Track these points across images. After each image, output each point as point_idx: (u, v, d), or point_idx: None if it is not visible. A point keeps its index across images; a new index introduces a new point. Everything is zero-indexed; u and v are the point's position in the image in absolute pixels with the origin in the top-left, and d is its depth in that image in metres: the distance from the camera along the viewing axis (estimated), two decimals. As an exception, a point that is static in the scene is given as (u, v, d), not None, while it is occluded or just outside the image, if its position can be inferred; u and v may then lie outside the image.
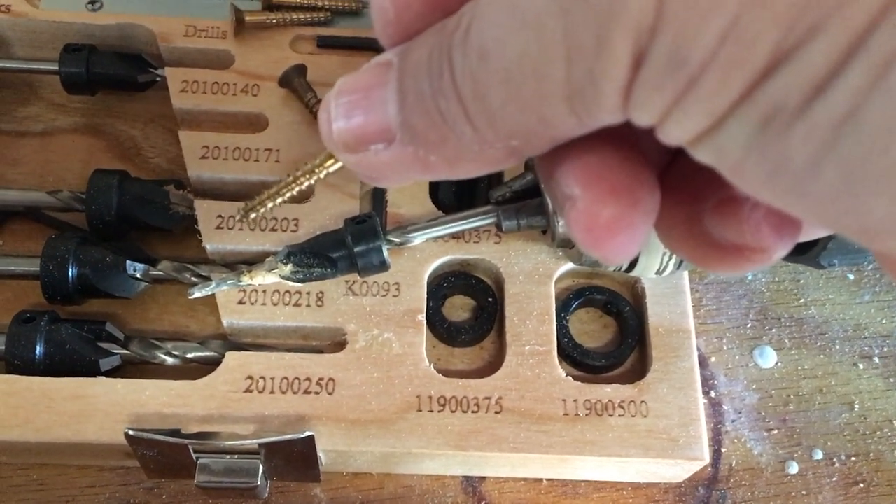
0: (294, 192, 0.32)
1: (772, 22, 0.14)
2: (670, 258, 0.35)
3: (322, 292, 0.38)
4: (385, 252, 0.34)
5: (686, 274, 0.39)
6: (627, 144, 0.19)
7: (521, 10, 0.16)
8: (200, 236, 0.38)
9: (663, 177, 0.21)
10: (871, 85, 0.13)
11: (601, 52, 0.15)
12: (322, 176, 0.28)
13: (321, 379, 0.36)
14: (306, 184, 0.30)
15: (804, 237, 0.20)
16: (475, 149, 0.19)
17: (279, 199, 0.33)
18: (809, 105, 0.14)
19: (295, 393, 0.35)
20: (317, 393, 0.35)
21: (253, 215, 0.34)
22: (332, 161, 0.27)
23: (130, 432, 0.33)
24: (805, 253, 0.36)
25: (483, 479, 0.39)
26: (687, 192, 0.21)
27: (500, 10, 0.17)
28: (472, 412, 0.36)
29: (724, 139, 0.15)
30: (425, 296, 0.38)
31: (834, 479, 0.40)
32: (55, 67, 0.43)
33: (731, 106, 0.15)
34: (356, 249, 0.34)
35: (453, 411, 0.35)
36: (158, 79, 0.44)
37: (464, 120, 0.18)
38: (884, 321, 0.44)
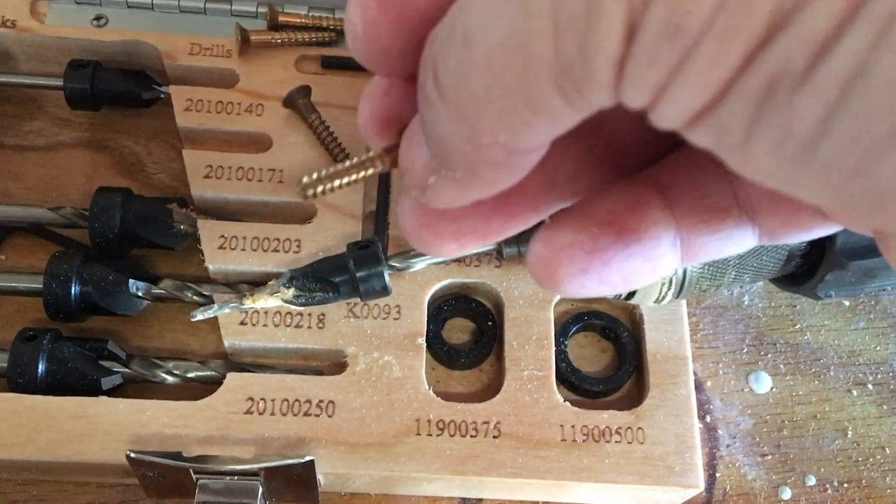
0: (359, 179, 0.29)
1: None
2: (669, 288, 0.35)
3: (323, 314, 0.38)
4: (387, 277, 0.34)
5: (684, 301, 0.39)
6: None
7: None
8: (203, 255, 0.38)
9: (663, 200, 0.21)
10: (876, 41, 0.13)
11: (592, 22, 0.14)
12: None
13: (321, 401, 0.36)
14: (372, 171, 0.27)
15: (809, 235, 0.20)
16: (467, 150, 0.18)
17: (346, 181, 0.30)
18: (814, 67, 0.14)
19: (295, 415, 0.35)
20: (317, 415, 0.36)
21: (311, 192, 0.30)
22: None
23: (132, 454, 0.33)
24: (802, 284, 0.37)
25: (480, 501, 0.39)
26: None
27: None
28: (471, 436, 0.36)
29: (725, 114, 0.15)
30: (426, 319, 0.38)
31: (826, 505, 0.40)
32: (60, 83, 0.43)
33: (731, 77, 0.14)
34: (358, 274, 0.34)
35: (452, 435, 0.36)
36: (163, 96, 0.44)
37: (446, 119, 0.17)
38: (878, 348, 0.44)
